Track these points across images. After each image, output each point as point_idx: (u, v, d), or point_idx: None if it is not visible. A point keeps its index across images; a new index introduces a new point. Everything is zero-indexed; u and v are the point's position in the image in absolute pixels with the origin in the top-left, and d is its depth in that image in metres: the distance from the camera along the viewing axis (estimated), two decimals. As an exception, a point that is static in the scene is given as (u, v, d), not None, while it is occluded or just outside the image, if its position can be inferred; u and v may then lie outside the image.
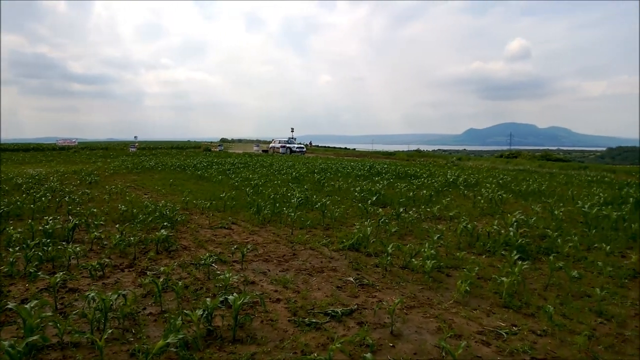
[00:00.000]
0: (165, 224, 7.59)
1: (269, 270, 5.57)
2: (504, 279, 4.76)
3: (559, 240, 6.60)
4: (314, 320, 4.05)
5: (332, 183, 14.05)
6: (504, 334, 3.88)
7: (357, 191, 11.80)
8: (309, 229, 7.86)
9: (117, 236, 6.55)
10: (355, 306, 4.42)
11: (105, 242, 6.72)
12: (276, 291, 4.85)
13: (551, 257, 5.52)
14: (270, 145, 50.06)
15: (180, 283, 4.71)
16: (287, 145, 46.95)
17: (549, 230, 7.32)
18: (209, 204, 9.64)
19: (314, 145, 69.64)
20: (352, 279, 5.23)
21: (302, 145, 49.10)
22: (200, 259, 5.67)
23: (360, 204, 9.64)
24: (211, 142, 73.42)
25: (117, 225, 7.45)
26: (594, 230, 7.55)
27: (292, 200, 9.88)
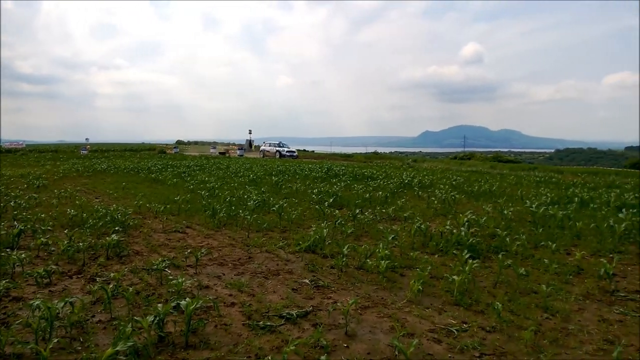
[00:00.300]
0: (116, 228, 7.39)
1: (224, 274, 5.51)
2: (455, 277, 4.88)
3: (507, 239, 6.83)
4: (268, 324, 4.03)
5: (290, 185, 14.05)
6: (454, 331, 3.99)
7: (314, 193, 11.84)
8: (265, 231, 7.83)
9: (66, 242, 6.31)
10: (311, 308, 4.43)
11: (52, 248, 6.46)
12: (231, 295, 4.80)
13: (500, 256, 5.71)
14: (261, 148, 47.79)
15: (131, 289, 4.60)
16: (277, 148, 44.46)
17: (498, 230, 7.56)
18: (162, 207, 9.44)
19: (272, 148, 69.21)
20: (307, 281, 5.24)
21: (294, 150, 45.74)
22: (153, 264, 5.53)
23: (317, 206, 9.68)
24: (166, 145, 71.95)
25: (65, 231, 7.19)
26: (541, 229, 7.87)
27: (249, 203, 9.81)
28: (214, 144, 65.26)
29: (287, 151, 43.63)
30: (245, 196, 11.10)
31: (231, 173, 18.96)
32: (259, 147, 66.59)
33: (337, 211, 9.46)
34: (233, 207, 9.41)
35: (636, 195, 12.74)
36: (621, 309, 4.60)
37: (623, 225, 7.43)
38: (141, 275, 5.35)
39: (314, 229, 7.38)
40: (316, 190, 12.44)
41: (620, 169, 34.86)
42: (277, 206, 9.02)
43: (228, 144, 68.56)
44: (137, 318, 3.77)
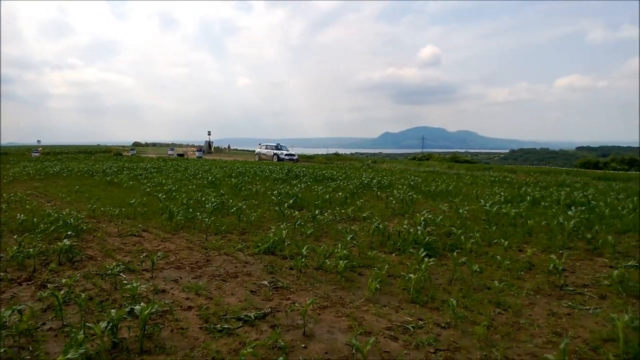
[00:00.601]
0: (69, 233, 7.14)
1: (181, 278, 5.42)
2: (411, 275, 4.97)
3: (462, 237, 7.00)
4: (226, 326, 3.99)
5: (250, 187, 13.95)
6: (410, 328, 4.06)
7: (274, 195, 11.80)
8: (224, 234, 7.74)
9: (15, 247, 6.05)
10: (269, 309, 4.42)
11: (1, 255, 6.19)
12: (188, 299, 4.72)
13: (455, 254, 5.85)
14: (257, 151, 43.83)
15: (83, 295, 4.44)
16: (275, 151, 40.49)
17: (454, 228, 7.75)
18: (118, 211, 9.19)
19: (232, 149, 68.81)
20: (266, 283, 5.22)
21: (294, 154, 41.89)
22: (107, 269, 5.38)
23: (277, 208, 9.65)
24: (123, 147, 70.18)
25: (15, 236, 6.90)
26: (494, 227, 8.12)
27: (207, 206, 9.68)
28: (172, 146, 64.17)
29: (286, 154, 39.91)
30: (204, 198, 10.94)
31: (189, 175, 18.67)
32: (219, 148, 65.78)
33: (296, 212, 9.47)
34: (191, 210, 9.26)
35: (585, 193, 13.31)
36: (569, 303, 4.79)
37: (572, 222, 7.75)
38: (95, 281, 5.20)
39: (273, 230, 7.36)
40: (276, 191, 12.41)
41: (571, 169, 36.33)
42: (235, 208, 8.94)
43: (187, 146, 67.56)
44: (89, 324, 3.65)
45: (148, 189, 13.40)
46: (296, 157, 40.70)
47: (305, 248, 5.96)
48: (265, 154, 41.59)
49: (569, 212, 8.88)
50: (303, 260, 5.69)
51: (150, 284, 5.10)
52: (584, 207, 10.11)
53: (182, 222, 8.38)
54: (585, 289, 5.22)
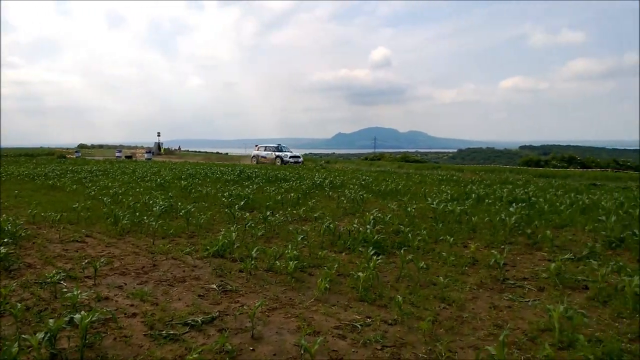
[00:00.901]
0: (5, 240, 6.78)
1: (126, 284, 5.26)
2: (360, 274, 5.04)
3: (410, 235, 7.15)
4: (172, 332, 3.91)
5: (200, 189, 13.71)
6: (359, 326, 4.12)
7: (225, 196, 11.65)
8: (172, 237, 7.58)
9: (-57, 258, 5.70)
10: (217, 313, 4.36)
11: None
12: (132, 305, 4.59)
13: (402, 251, 5.98)
14: (254, 153, 39.48)
15: (20, 305, 4.23)
16: (277, 153, 36.73)
17: (402, 226, 7.92)
18: (59, 216, 8.80)
19: (183, 150, 67.56)
20: (215, 286, 5.15)
21: (299, 155, 38.21)
22: (46, 277, 5.15)
23: (227, 210, 9.54)
24: (67, 149, 67.36)
25: (-57, 246, 6.49)
26: (440, 224, 8.34)
27: (155, 209, 9.44)
28: (119, 148, 62.21)
29: (290, 157, 36.15)
30: (151, 202, 10.66)
31: (137, 178, 18.15)
32: (169, 149, 64.33)
33: (247, 214, 9.39)
34: (137, 214, 9.01)
35: (526, 190, 13.90)
36: (510, 296, 4.99)
37: (513, 218, 8.07)
38: (33, 290, 4.96)
39: (223, 233, 7.27)
40: (227, 193, 12.26)
41: (514, 167, 37.82)
42: (184, 211, 8.78)
43: (136, 147, 65.76)
44: (25, 336, 3.49)
45: (93, 193, 12.92)
46: (301, 159, 37.30)
47: (255, 250, 5.93)
48: (266, 157, 37.60)
49: (511, 209, 9.24)
50: (253, 262, 5.66)
51: (93, 291, 4.92)
52: (524, 204, 10.55)
53: (128, 227, 8.13)
54: (525, 282, 5.45)
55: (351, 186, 15.03)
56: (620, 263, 5.85)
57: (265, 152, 37.97)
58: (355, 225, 7.73)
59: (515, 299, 4.89)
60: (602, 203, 11.10)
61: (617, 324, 4.22)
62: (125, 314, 4.36)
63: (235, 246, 6.63)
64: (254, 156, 39.31)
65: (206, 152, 68.62)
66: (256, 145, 40.70)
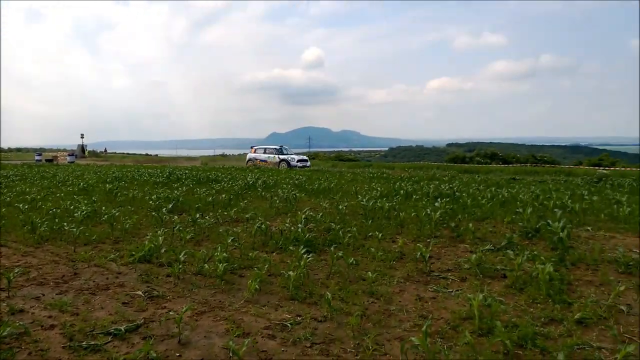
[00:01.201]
0: None
1: (44, 295, 4.95)
2: (291, 273, 5.05)
3: (341, 232, 7.26)
4: (92, 343, 3.73)
5: (126, 192, 13.16)
6: (289, 325, 4.12)
7: (153, 199, 11.26)
8: (95, 244, 7.22)
9: None
10: (142, 320, 4.21)
11: None
12: (50, 317, 4.33)
13: (332, 248, 6.05)
14: (250, 156, 35.21)
15: None
16: (280, 156, 32.71)
17: (333, 224, 8.01)
18: (-33, 226, 8.16)
19: (109, 152, 64.74)
20: (140, 293, 4.97)
21: (306, 158, 34.90)
22: (-49, 293, 4.76)
23: (155, 213, 9.23)
24: (-22, 153, 62.57)
25: None
26: (370, 221, 8.53)
27: (76, 214, 8.95)
28: (39, 151, 58.57)
29: (298, 160, 32.03)
30: (73, 207, 10.10)
31: (58, 182, 17.13)
32: (94, 152, 61.39)
33: (176, 217, 9.13)
34: (57, 220, 8.50)
35: (451, 186, 14.51)
36: (435, 287, 5.18)
37: (438, 213, 8.38)
38: None
39: (149, 237, 7.03)
40: (155, 196, 11.86)
41: (441, 164, 39.42)
42: (108, 216, 8.40)
43: (58, 150, 62.18)
44: None
45: (8, 199, 12.05)
46: (309, 163, 33.59)
47: (183, 253, 5.79)
48: (267, 161, 33.16)
49: (436, 204, 9.60)
50: (180, 266, 5.51)
51: (6, 304, 4.60)
52: (449, 199, 11.00)
53: (47, 234, 7.66)
54: (449, 274, 5.69)
55: (284, 186, 15.03)
56: (535, 252, 6.25)
57: (266, 155, 33.69)
58: (287, 225, 7.74)
59: (440, 290, 5.09)
60: (520, 196, 11.79)
61: (531, 309, 4.49)
62: (42, 326, 4.10)
63: (163, 250, 6.43)
64: (250, 160, 34.77)
65: (135, 154, 66.22)
66: (252, 147, 36.28)
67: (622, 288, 4.70)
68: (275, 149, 33.85)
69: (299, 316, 4.34)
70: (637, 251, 6.58)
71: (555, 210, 8.70)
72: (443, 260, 6.33)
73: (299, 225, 7.55)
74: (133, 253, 6.37)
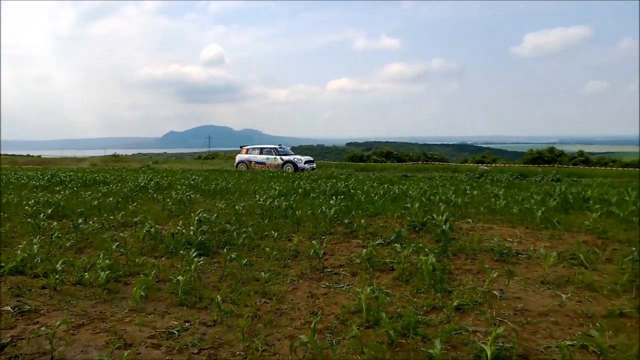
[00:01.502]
0: None
1: None
2: (180, 277, 4.86)
3: (235, 233, 7.14)
4: (-55, 369, 3.31)
5: (-1, 198, 11.91)
6: (176, 332, 3.95)
7: (30, 204, 10.29)
8: (-43, 256, 6.44)
9: None
10: (9, 339, 3.81)
11: None
12: None
13: (225, 250, 5.93)
14: (240, 157, 30.16)
15: None
16: (284, 157, 28.71)
17: (228, 225, 7.86)
18: None
19: (-19, 155, 58.37)
20: (9, 308, 4.50)
21: (312, 159, 31.44)
22: None
23: (31, 219, 8.43)
24: None
25: None
26: (267, 220, 8.49)
27: None
28: None
29: (305, 161, 28.56)
30: None
31: None
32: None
33: (55, 223, 8.41)
34: None
35: (347, 183, 14.93)
36: (327, 283, 5.27)
37: (333, 210, 8.56)
38: None
39: (22, 246, 6.41)
40: (32, 201, 10.85)
41: (340, 162, 40.47)
42: (-26, 224, 7.54)
43: (244, 149, 54.79)
44: None
45: None
46: (314, 164, 30.70)
47: (61, 262, 5.34)
48: (265, 163, 29.00)
49: (332, 201, 9.80)
50: (57, 276, 5.08)
51: None
52: (344, 196, 11.31)
53: None
54: (341, 269, 5.82)
55: (179, 187, 14.49)
56: (421, 244, 6.60)
57: (263, 157, 29.25)
58: (179, 228, 7.46)
59: (332, 286, 5.19)
60: (410, 192, 12.43)
61: (415, 299, 4.72)
62: None
63: (38, 260, 5.88)
64: (241, 162, 29.94)
65: (13, 155, 60.47)
66: (242, 147, 31.02)
67: (495, 275, 5.10)
68: (274, 149, 29.84)
69: (187, 322, 4.19)
70: (511, 240, 7.21)
71: (440, 204, 9.29)
72: (336, 256, 6.46)
73: (192, 227, 7.31)
74: (3, 264, 5.75)
